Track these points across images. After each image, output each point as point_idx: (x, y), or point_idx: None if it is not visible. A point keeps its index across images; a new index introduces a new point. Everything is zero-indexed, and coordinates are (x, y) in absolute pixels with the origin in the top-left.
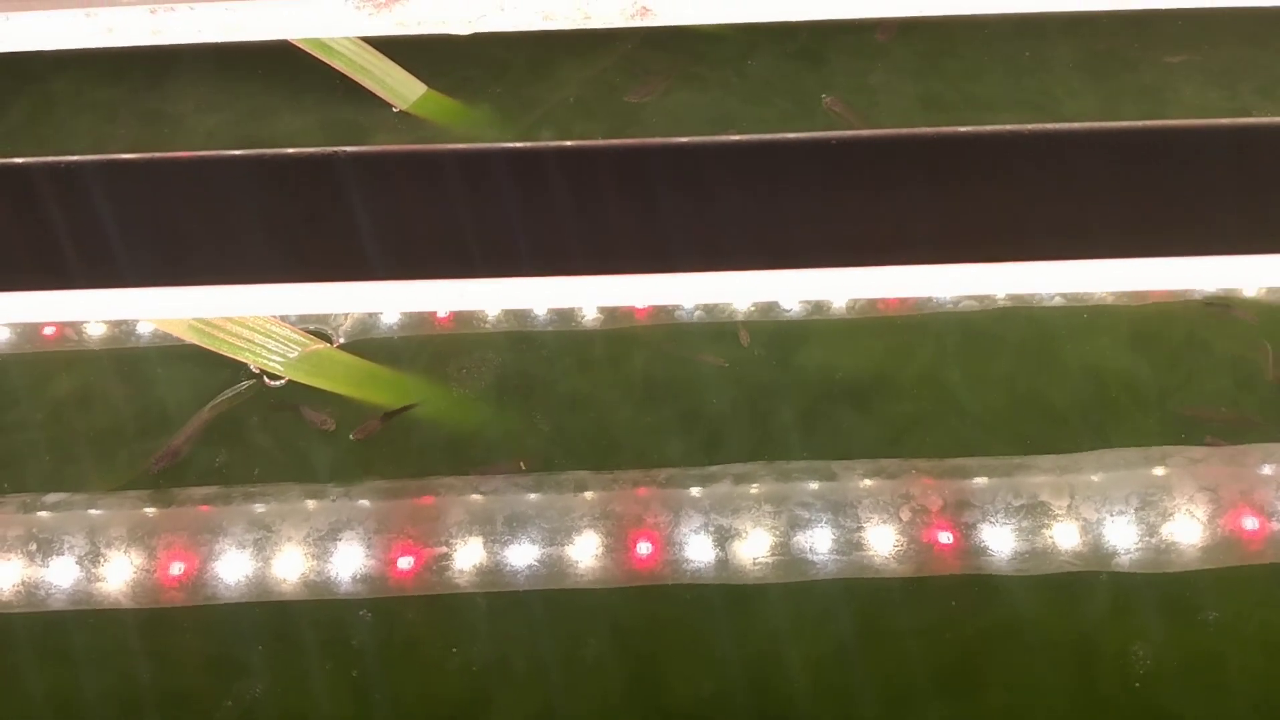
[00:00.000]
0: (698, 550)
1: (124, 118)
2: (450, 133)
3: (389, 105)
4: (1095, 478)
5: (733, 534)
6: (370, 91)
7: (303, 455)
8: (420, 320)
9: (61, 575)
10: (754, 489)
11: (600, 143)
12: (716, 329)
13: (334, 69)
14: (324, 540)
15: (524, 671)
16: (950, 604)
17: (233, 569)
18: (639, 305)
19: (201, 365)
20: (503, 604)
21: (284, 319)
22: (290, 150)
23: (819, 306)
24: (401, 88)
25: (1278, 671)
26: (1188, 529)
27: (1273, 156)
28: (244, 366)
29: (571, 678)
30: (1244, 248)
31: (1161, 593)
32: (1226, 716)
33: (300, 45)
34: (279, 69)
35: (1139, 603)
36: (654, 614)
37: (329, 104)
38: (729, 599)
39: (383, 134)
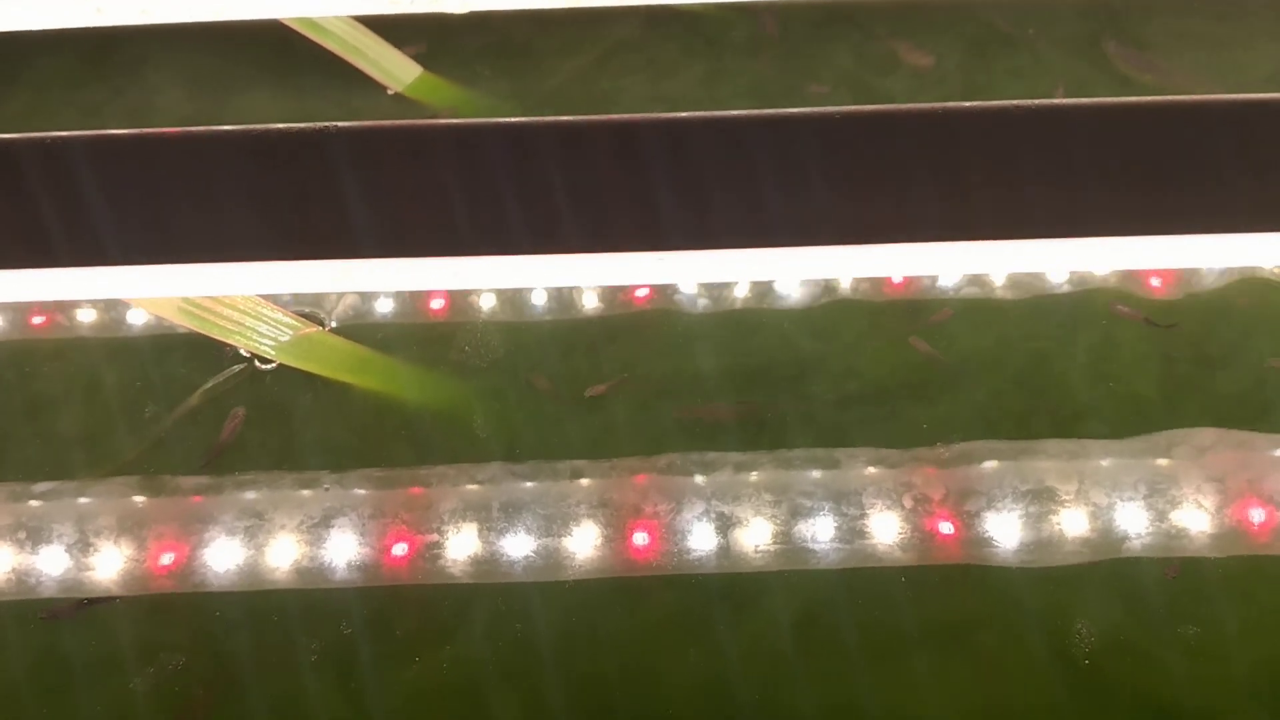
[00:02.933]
0: (699, 538)
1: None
2: (445, 115)
3: (383, 88)
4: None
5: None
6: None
7: None
8: (414, 305)
9: (51, 563)
10: (754, 476)
11: (596, 118)
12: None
13: (326, 50)
14: (316, 528)
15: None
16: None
17: (223, 557)
18: (636, 284)
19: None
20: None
21: (275, 301)
22: (280, 126)
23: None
24: (396, 69)
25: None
26: (1196, 518)
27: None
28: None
29: (565, 670)
30: (1251, 225)
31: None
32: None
33: (291, 25)
34: (268, 51)
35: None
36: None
37: (319, 87)
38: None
39: (376, 118)
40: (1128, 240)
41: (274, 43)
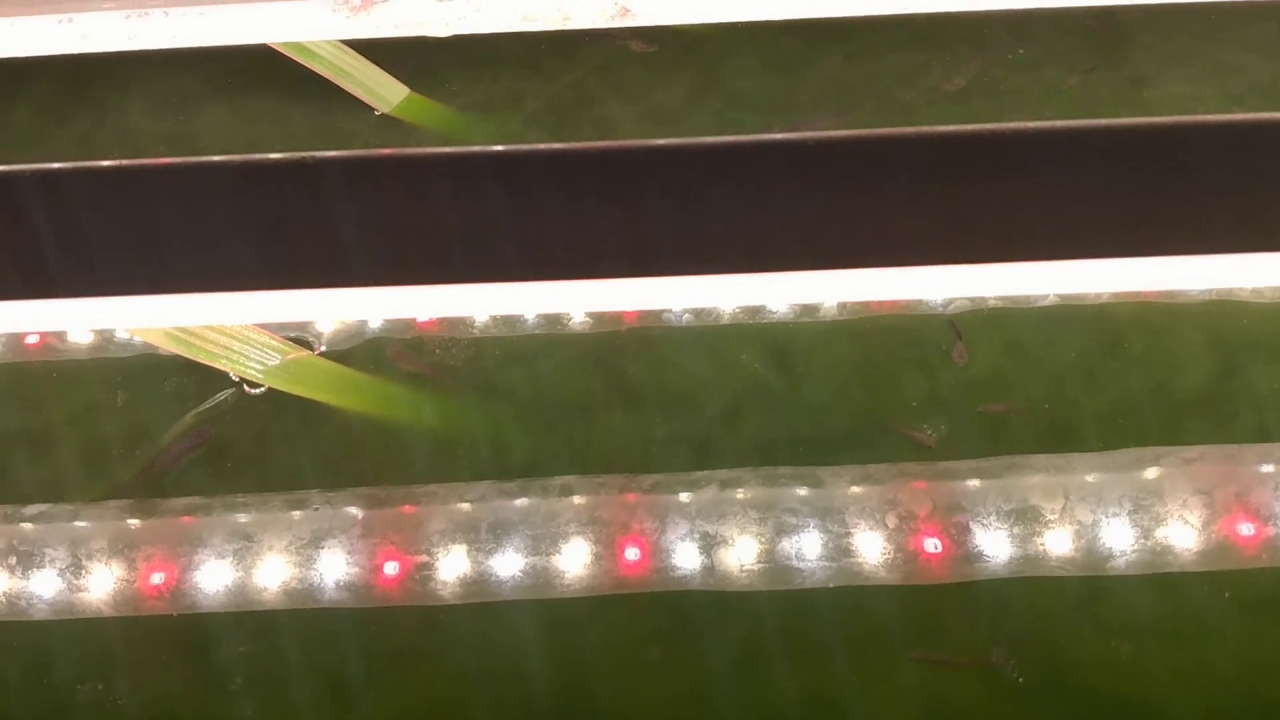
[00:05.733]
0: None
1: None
2: (432, 135)
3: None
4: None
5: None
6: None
7: None
8: (403, 328)
9: (43, 586)
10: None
11: (584, 145)
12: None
13: (313, 72)
14: (306, 549)
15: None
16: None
17: (214, 579)
18: (625, 309)
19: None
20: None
21: (265, 326)
22: (269, 155)
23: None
24: (383, 90)
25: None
26: (1181, 533)
27: (1268, 152)
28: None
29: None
30: (1239, 246)
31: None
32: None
33: (279, 49)
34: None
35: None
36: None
37: (307, 109)
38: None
39: (363, 138)
40: (1121, 261)
41: (261, 64)
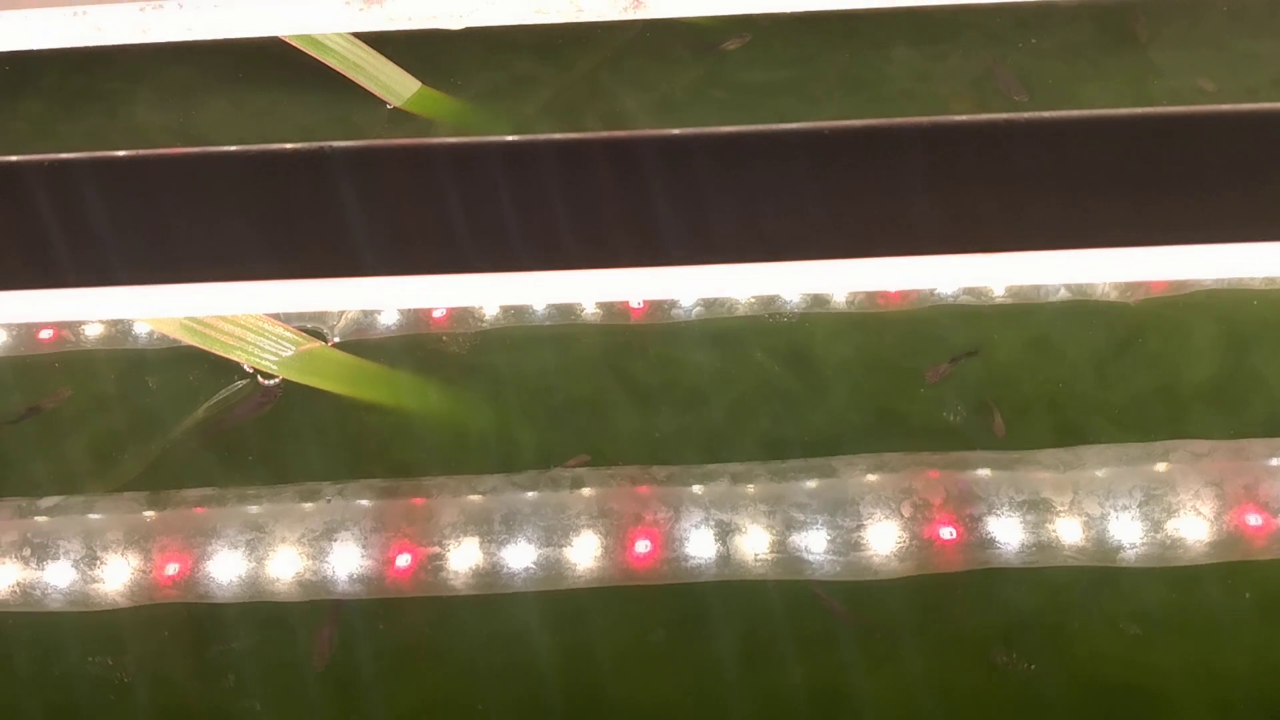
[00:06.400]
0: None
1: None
2: (444, 129)
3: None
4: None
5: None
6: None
7: None
8: (416, 319)
9: (58, 578)
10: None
11: (595, 135)
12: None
13: (324, 67)
14: (318, 540)
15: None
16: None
17: (228, 569)
18: (635, 300)
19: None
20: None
21: (279, 317)
22: (282, 145)
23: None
24: (395, 84)
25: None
26: (1192, 525)
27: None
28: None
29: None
30: (1248, 235)
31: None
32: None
33: (291, 42)
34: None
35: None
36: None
37: (318, 102)
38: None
39: (374, 132)
40: (1128, 251)
41: (271, 59)
